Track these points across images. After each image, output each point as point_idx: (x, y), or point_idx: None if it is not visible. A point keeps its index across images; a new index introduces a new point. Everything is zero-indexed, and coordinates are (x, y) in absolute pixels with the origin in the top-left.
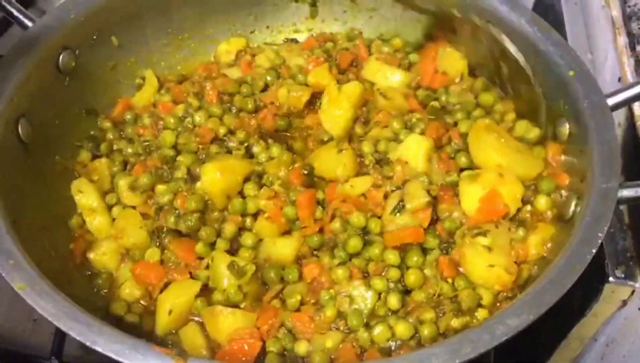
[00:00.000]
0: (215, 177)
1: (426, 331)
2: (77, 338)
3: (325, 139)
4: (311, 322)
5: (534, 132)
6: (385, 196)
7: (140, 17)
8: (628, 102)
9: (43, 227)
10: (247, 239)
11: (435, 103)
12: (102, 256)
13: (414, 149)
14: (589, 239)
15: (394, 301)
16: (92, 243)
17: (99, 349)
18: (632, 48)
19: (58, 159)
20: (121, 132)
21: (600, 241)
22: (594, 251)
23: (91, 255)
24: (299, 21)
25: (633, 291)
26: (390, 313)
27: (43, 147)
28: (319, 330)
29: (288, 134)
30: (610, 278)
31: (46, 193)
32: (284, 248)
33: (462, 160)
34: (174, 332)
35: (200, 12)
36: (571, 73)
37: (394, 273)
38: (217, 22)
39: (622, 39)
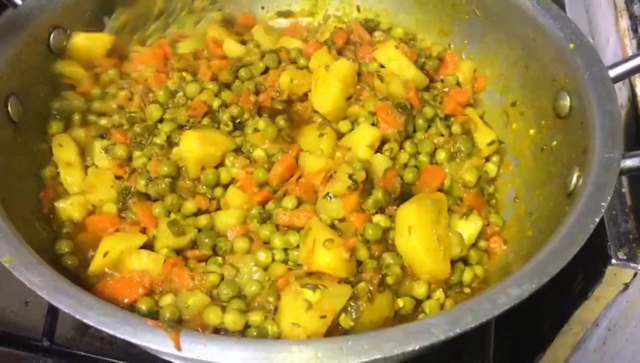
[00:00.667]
0: (193, 145)
1: None
2: (67, 311)
3: (315, 120)
4: (191, 280)
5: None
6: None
7: None
8: (630, 74)
9: (33, 206)
10: (203, 220)
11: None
12: (69, 206)
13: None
14: (592, 209)
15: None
16: (62, 194)
17: (89, 322)
18: (635, 30)
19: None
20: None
21: (603, 211)
22: (597, 220)
23: (59, 204)
24: (294, 2)
25: (635, 274)
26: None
27: (34, 127)
28: (193, 289)
29: (285, 116)
30: (613, 260)
31: (37, 173)
32: (226, 218)
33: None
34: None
35: None
36: (571, 46)
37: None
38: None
39: (624, 22)
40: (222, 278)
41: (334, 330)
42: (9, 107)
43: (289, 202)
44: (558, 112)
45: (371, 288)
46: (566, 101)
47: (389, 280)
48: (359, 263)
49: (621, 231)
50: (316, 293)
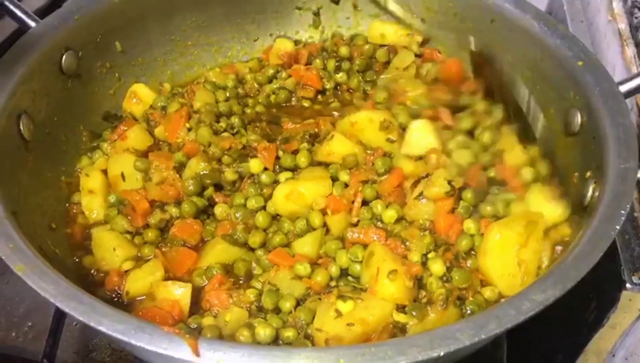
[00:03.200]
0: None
1: None
2: (81, 319)
3: None
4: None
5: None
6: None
7: (144, 23)
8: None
9: (44, 223)
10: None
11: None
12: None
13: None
14: (612, 217)
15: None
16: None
17: (104, 329)
18: None
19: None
20: None
21: (622, 219)
22: (617, 227)
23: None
24: (302, 29)
25: None
26: None
27: (44, 147)
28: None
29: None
30: (627, 285)
31: (47, 192)
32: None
33: None
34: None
35: (204, 19)
36: (580, 63)
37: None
38: (221, 30)
39: (630, 50)
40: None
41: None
42: (21, 125)
43: (385, 209)
44: (569, 129)
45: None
46: (577, 118)
47: (470, 305)
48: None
49: (635, 255)
50: (347, 303)
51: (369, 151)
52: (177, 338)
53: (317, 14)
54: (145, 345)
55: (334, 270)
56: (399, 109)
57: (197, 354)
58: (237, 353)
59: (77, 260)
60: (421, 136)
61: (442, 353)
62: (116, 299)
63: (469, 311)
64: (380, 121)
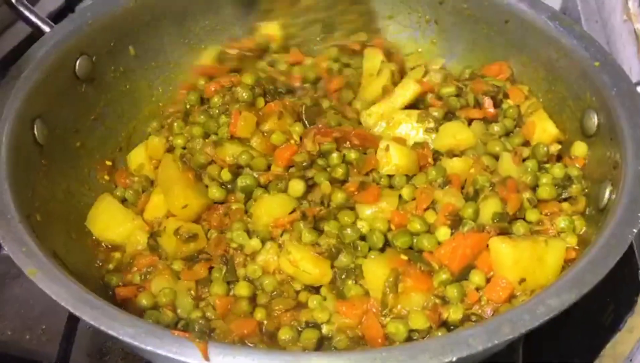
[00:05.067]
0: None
1: None
2: (91, 322)
3: None
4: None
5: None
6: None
7: (158, 27)
8: None
9: (59, 227)
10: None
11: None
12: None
13: None
14: (629, 220)
15: None
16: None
17: (114, 333)
18: None
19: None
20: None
21: None
22: (635, 231)
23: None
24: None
25: None
26: None
27: (58, 152)
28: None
29: None
30: None
31: (61, 196)
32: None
33: None
34: None
35: (217, 22)
36: (597, 64)
37: None
38: (235, 33)
39: None
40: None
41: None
42: (35, 130)
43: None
44: (585, 131)
45: None
46: (593, 120)
47: None
48: None
49: None
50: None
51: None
52: (187, 342)
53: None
54: (155, 349)
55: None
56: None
57: (207, 358)
58: (246, 358)
59: (99, 264)
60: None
61: (454, 359)
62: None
63: None
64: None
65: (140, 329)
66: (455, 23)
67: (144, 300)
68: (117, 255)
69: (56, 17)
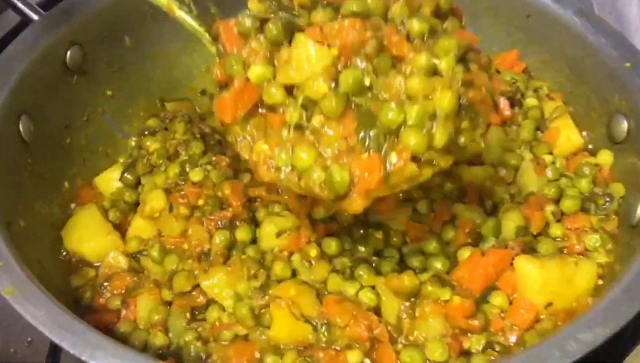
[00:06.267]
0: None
1: None
2: (71, 351)
3: None
4: None
5: None
6: None
7: (156, 15)
8: None
9: (45, 232)
10: None
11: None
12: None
13: None
14: None
15: None
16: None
17: None
18: None
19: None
20: None
21: None
22: None
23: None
24: None
25: None
26: None
27: (46, 149)
28: None
29: None
30: None
31: (46, 197)
32: None
33: None
34: None
35: (219, 11)
36: (627, 65)
37: None
38: None
39: None
40: None
41: None
42: (21, 126)
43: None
44: (613, 137)
45: None
46: (623, 125)
47: None
48: None
49: None
50: None
51: None
52: None
53: None
54: None
55: None
56: None
57: None
58: None
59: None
60: None
61: None
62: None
63: None
64: None
65: (125, 360)
66: (472, 15)
67: (125, 326)
68: (91, 272)
69: (46, 4)
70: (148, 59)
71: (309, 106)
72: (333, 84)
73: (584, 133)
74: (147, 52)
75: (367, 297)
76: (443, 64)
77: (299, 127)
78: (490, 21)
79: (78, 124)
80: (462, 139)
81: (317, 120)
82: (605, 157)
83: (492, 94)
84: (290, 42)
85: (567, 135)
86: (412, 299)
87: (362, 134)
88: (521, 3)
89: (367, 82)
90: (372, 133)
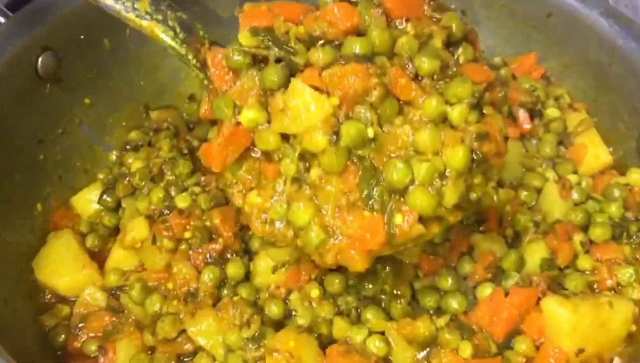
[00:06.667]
0: None
1: None
2: None
3: None
4: None
5: None
6: None
7: None
8: None
9: (7, 268)
10: None
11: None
12: None
13: None
14: None
15: None
16: None
17: None
18: None
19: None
20: None
21: None
22: None
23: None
24: None
25: None
26: None
27: (15, 169)
28: None
29: None
30: None
31: (16, 225)
32: None
33: None
34: None
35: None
36: None
37: None
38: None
39: None
40: None
41: None
42: None
43: None
44: None
45: None
46: None
47: None
48: None
49: None
50: None
51: None
52: None
53: None
54: None
55: None
56: None
57: None
58: None
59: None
60: None
61: None
62: None
63: None
64: None
65: None
66: (486, 15)
67: None
68: (64, 309)
69: (14, 5)
70: (130, 63)
71: (307, 157)
72: (334, 137)
73: (610, 148)
74: (128, 56)
75: (375, 346)
76: (455, 113)
77: (296, 180)
78: (506, 21)
79: (52, 137)
80: (473, 195)
81: (315, 173)
82: (636, 176)
83: (510, 107)
84: (286, 86)
85: (594, 153)
86: (427, 348)
87: (365, 191)
88: (541, 1)
89: (370, 134)
90: (375, 190)
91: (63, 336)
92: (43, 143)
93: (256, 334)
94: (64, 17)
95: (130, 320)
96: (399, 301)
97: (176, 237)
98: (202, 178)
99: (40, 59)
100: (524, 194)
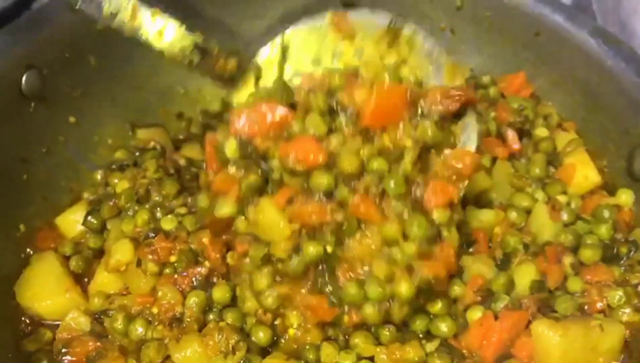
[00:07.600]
0: None
1: None
2: None
3: None
4: None
5: None
6: None
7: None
8: None
9: None
10: None
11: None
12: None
13: None
14: None
15: None
16: None
17: None
18: None
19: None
20: None
21: None
22: None
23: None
24: None
25: None
26: None
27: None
28: None
29: None
30: None
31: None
32: None
33: None
34: None
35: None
36: None
37: None
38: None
39: None
40: None
41: None
42: None
43: None
44: (635, 173)
45: None
46: None
47: None
48: None
49: None
50: None
51: None
52: None
53: None
54: None
55: None
56: None
57: None
58: None
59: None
60: None
61: None
62: None
63: None
64: None
65: None
66: (474, 33)
67: None
68: (47, 334)
69: None
70: (116, 81)
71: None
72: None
73: (600, 167)
74: (114, 73)
75: None
76: (407, 250)
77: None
78: (495, 39)
79: (37, 156)
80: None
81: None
82: (626, 197)
83: (499, 126)
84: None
85: (584, 173)
86: None
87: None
88: (529, 20)
89: (329, 250)
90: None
91: (45, 362)
92: (27, 162)
93: (242, 362)
94: (48, 34)
95: (115, 345)
96: (387, 326)
97: (161, 261)
98: (189, 199)
99: (24, 77)
100: (513, 215)
